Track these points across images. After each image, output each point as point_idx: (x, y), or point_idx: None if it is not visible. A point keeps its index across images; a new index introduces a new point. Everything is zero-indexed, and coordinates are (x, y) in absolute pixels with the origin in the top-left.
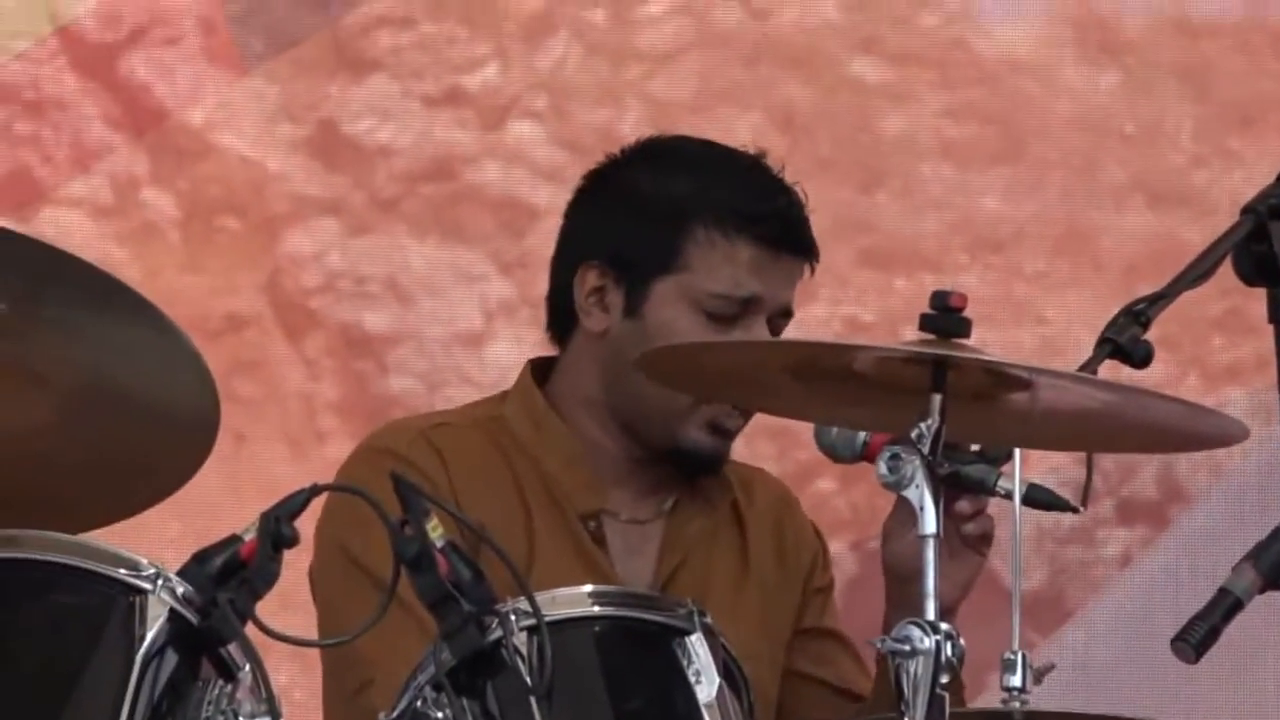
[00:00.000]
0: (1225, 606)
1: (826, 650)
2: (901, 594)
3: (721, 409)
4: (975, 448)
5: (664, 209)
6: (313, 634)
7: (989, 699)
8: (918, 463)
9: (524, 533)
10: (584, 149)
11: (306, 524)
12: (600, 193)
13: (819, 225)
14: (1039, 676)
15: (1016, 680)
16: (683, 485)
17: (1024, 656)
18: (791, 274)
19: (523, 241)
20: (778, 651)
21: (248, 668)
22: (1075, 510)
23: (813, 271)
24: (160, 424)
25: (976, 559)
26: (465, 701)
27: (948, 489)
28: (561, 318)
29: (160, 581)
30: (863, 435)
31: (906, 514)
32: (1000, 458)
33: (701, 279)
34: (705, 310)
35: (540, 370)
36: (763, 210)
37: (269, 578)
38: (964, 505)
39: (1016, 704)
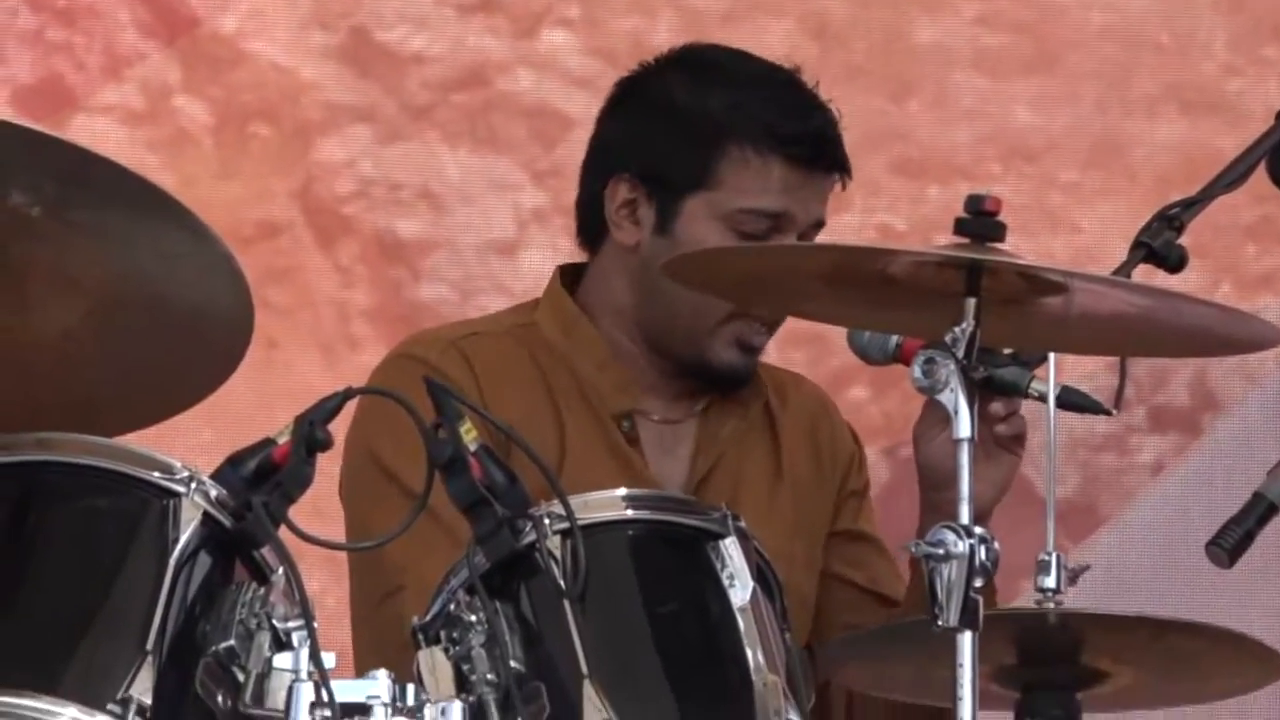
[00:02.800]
0: (1260, 511)
1: (860, 553)
2: (936, 498)
3: (748, 325)
4: (1008, 352)
5: (699, 125)
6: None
7: (1023, 604)
8: (952, 367)
9: (555, 435)
10: (616, 58)
11: (339, 430)
12: (634, 103)
13: (851, 134)
14: (1073, 577)
15: (1051, 581)
16: (713, 392)
17: (1059, 557)
18: (823, 190)
19: (555, 150)
20: (814, 553)
21: (281, 571)
22: (1108, 413)
23: (844, 186)
24: (194, 328)
25: (1011, 459)
26: (499, 605)
27: (981, 392)
28: (591, 227)
29: (194, 484)
30: (895, 338)
31: (936, 417)
32: (1034, 362)
33: (734, 196)
34: (736, 227)
35: (570, 276)
36: (798, 130)
37: (302, 481)
38: (997, 406)
39: (1051, 604)
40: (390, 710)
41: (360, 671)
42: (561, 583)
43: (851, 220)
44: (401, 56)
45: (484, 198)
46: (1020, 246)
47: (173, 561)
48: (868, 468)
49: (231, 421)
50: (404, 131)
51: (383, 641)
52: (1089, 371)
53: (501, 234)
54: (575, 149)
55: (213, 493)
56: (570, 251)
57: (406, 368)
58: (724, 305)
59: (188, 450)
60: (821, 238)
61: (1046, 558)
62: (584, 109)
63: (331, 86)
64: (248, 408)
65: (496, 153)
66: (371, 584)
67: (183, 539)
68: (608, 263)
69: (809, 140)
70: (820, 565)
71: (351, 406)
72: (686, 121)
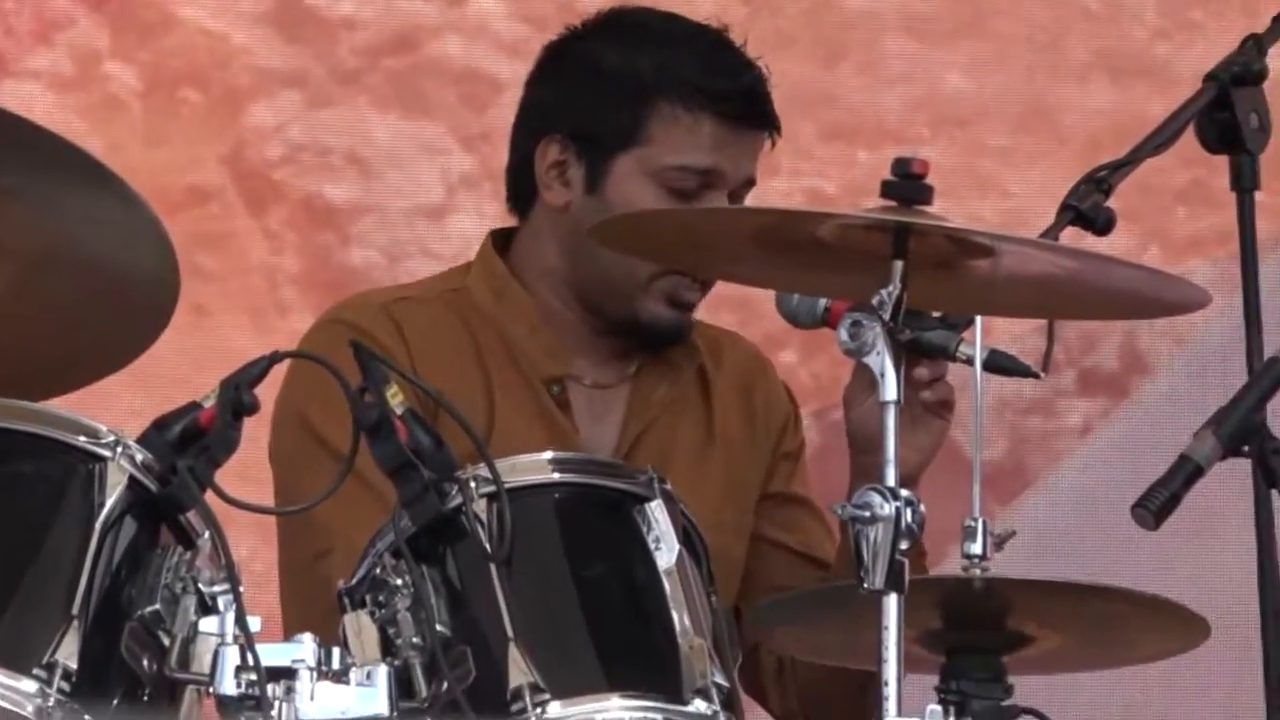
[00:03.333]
0: (1186, 473)
1: (793, 516)
2: (865, 462)
3: (680, 281)
4: (936, 315)
5: (627, 84)
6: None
7: (950, 568)
8: (879, 329)
9: (484, 401)
10: (546, 22)
11: (268, 394)
12: (562, 65)
13: (781, 99)
14: (1000, 543)
15: (977, 548)
16: (646, 352)
17: (984, 524)
18: (753, 147)
19: (484, 115)
20: (744, 517)
21: (207, 535)
22: (1036, 375)
23: (774, 144)
24: (120, 293)
25: (939, 424)
26: (425, 569)
27: (908, 355)
28: (522, 190)
29: (119, 449)
30: (824, 302)
31: (866, 381)
32: (962, 324)
33: (663, 153)
34: (666, 185)
35: (501, 241)
36: (726, 87)
37: (229, 445)
38: (922, 371)
39: (977, 571)
40: (315, 674)
41: (289, 634)
42: (487, 546)
43: (781, 184)
44: (331, 21)
45: (413, 162)
46: (950, 210)
47: (98, 526)
48: (803, 429)
49: (160, 386)
50: (333, 96)
51: (311, 604)
52: (1018, 334)
53: (430, 199)
54: (504, 114)
55: (138, 457)
56: (498, 217)
57: (336, 332)
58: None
59: (116, 415)
60: (750, 201)
61: (972, 524)
62: (513, 74)
63: (261, 51)
64: (177, 373)
65: (426, 117)
66: (299, 547)
67: (108, 503)
68: (539, 225)
69: (739, 97)
70: (750, 528)
71: (280, 370)
72: (616, 81)
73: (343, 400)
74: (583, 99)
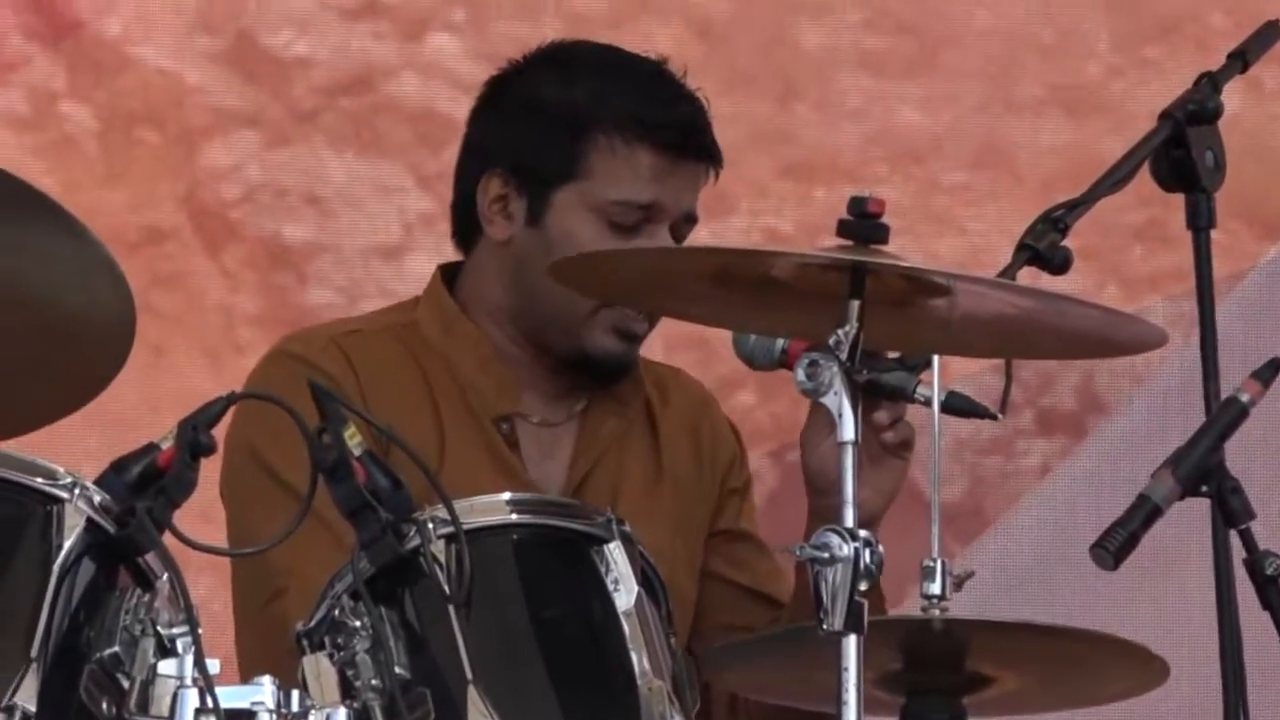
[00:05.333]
0: (1144, 513)
1: (742, 553)
2: (823, 505)
3: (626, 313)
4: (893, 356)
5: (564, 116)
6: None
7: (909, 609)
8: (836, 369)
9: (435, 437)
10: (501, 62)
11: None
12: (501, 100)
13: (738, 137)
14: (959, 583)
15: (936, 588)
16: (594, 388)
17: (943, 563)
18: (694, 179)
19: (441, 154)
20: (694, 553)
21: (166, 577)
22: (994, 417)
23: (716, 177)
24: (76, 333)
25: (899, 465)
26: (383, 610)
27: (866, 396)
28: (466, 226)
29: (77, 490)
30: (781, 342)
31: (822, 422)
32: (919, 365)
33: (603, 186)
34: (607, 218)
35: (450, 276)
36: (663, 117)
37: (187, 486)
38: (881, 415)
39: (936, 611)
40: (275, 717)
41: (245, 675)
42: (446, 588)
43: (738, 223)
44: (286, 61)
45: (369, 202)
46: (906, 248)
47: (56, 568)
48: (749, 467)
49: (117, 427)
50: (290, 136)
51: (267, 644)
52: (974, 374)
53: (387, 238)
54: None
55: (96, 499)
56: (455, 256)
57: (287, 365)
58: None
59: (73, 455)
60: (707, 240)
61: (931, 564)
62: (469, 113)
63: (217, 91)
64: (134, 413)
65: (382, 157)
66: (255, 587)
67: (66, 545)
68: (483, 261)
69: (676, 127)
70: (699, 565)
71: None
72: (554, 113)
73: (295, 434)
74: (522, 132)
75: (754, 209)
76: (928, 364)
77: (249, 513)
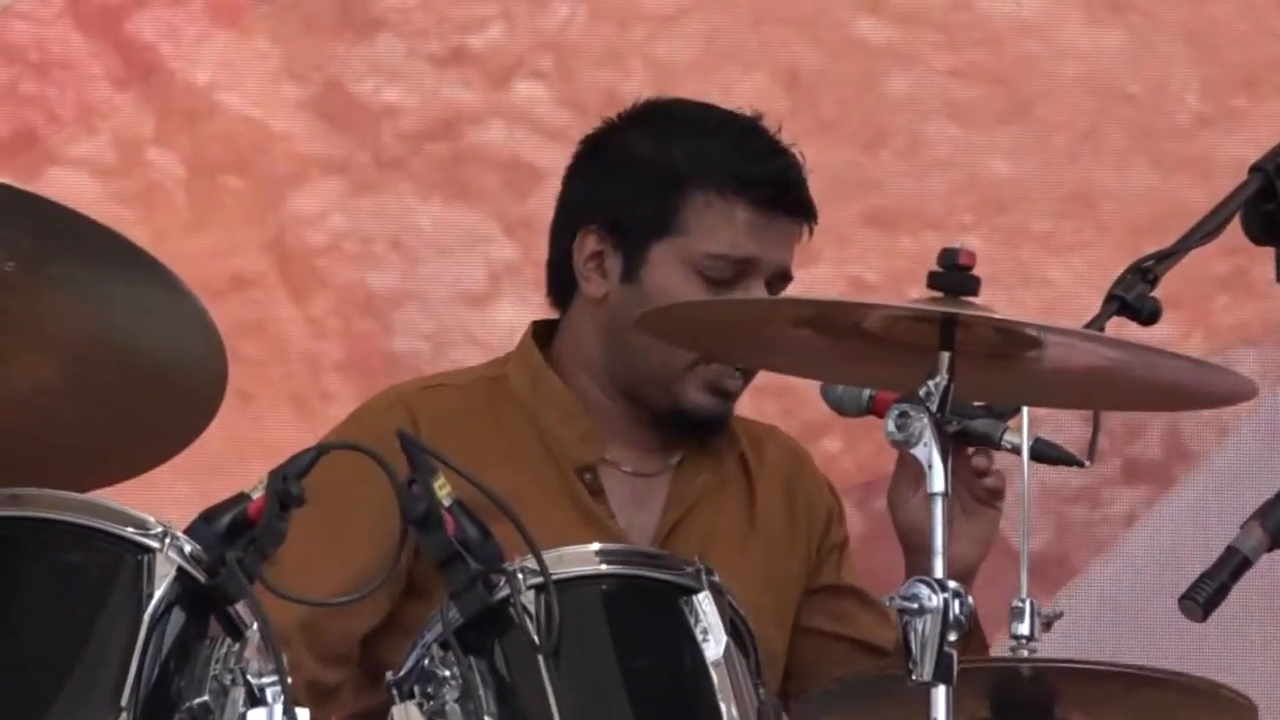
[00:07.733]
0: (1233, 565)
1: (846, 607)
2: (920, 561)
3: (721, 370)
4: (979, 404)
5: (661, 173)
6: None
7: (997, 653)
8: (926, 420)
9: (505, 487)
10: (588, 110)
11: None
12: (597, 157)
13: (823, 185)
14: (1047, 624)
15: (1024, 628)
16: (688, 442)
17: (1032, 604)
18: (788, 236)
19: (527, 202)
20: (785, 608)
21: (255, 626)
22: (1081, 464)
23: (810, 233)
24: (167, 383)
25: (992, 514)
26: (473, 660)
27: (957, 445)
28: (562, 283)
29: (168, 540)
30: (868, 391)
31: (910, 475)
32: (1007, 413)
33: (698, 241)
34: (702, 273)
35: (543, 332)
36: (759, 173)
37: (276, 537)
38: (981, 460)
39: (1025, 651)
40: None
41: None
42: (536, 638)
43: (823, 272)
44: (374, 108)
45: (456, 250)
46: (992, 299)
47: (147, 617)
48: (846, 523)
49: (205, 474)
50: (376, 183)
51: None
52: (1062, 421)
53: (473, 286)
54: (547, 200)
55: (187, 548)
56: (541, 304)
57: (351, 426)
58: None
59: (162, 503)
60: (794, 290)
61: (1020, 605)
62: (556, 161)
63: (303, 138)
64: (221, 460)
65: (468, 204)
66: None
67: (157, 595)
68: (578, 317)
69: (771, 183)
70: (791, 620)
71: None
72: (650, 170)
73: (372, 495)
74: (618, 190)
75: (839, 258)
76: (1015, 411)
77: (312, 560)
